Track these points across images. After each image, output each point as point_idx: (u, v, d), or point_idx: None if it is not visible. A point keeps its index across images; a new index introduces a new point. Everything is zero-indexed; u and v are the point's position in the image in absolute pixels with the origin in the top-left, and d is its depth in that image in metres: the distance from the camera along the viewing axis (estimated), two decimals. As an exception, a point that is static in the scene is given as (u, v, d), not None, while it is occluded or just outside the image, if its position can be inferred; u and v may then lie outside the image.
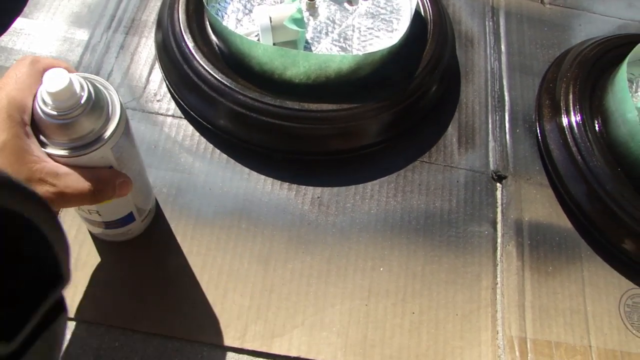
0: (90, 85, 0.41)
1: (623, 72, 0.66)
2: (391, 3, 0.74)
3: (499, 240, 0.63)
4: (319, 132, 0.62)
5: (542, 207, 0.66)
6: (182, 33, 0.65)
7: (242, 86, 0.62)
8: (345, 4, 0.73)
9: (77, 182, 0.41)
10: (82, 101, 0.40)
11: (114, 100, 0.44)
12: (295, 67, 0.62)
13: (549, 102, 0.71)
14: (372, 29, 0.71)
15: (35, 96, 0.40)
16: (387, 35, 0.71)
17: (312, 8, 0.71)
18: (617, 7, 0.88)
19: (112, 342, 0.53)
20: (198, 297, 0.56)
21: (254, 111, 0.61)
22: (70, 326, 0.54)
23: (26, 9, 0.71)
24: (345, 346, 0.55)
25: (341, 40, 0.70)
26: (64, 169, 0.40)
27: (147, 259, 0.57)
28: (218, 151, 0.64)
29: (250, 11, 0.70)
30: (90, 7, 0.72)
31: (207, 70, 0.63)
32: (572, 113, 0.69)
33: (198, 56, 0.64)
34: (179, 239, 0.59)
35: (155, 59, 0.69)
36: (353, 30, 0.71)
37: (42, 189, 0.39)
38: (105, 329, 0.54)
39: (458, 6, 0.81)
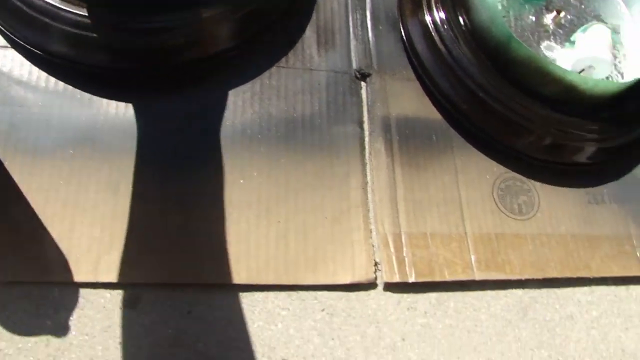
0: None
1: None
2: None
3: (366, 139, 0.61)
4: (162, 44, 0.57)
5: (410, 101, 0.64)
6: None
7: (72, 4, 0.56)
8: None
9: None
10: None
11: None
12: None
13: (411, -5, 0.69)
14: None
15: None
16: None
17: None
18: None
19: (-55, 296, 0.48)
20: (42, 235, 0.51)
21: (87, 29, 0.55)
22: None
23: None
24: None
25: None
26: None
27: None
28: (54, 79, 0.58)
29: None
30: None
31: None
32: (433, 4, 0.66)
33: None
34: (16, 177, 0.53)
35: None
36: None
37: None
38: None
39: None
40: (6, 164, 0.54)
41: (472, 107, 0.64)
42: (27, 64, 0.59)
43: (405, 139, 0.62)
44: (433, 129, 0.63)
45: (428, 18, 0.66)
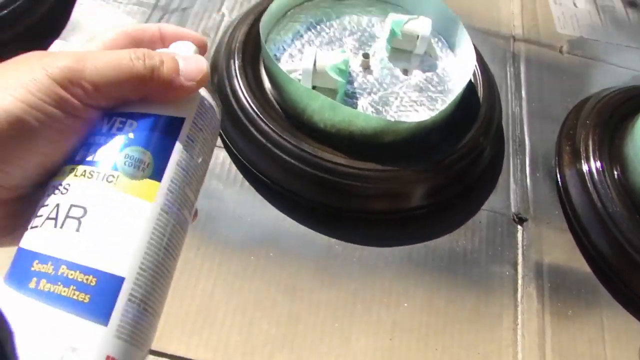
0: None
1: (641, 121, 0.68)
2: (443, 84, 0.72)
3: (519, 282, 0.64)
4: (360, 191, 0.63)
5: (562, 251, 0.67)
6: (236, 74, 0.66)
7: (293, 136, 0.62)
8: (399, 72, 0.72)
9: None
10: None
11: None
12: (321, 112, 0.63)
13: (569, 148, 0.73)
14: (415, 102, 0.71)
15: None
16: (427, 113, 0.69)
17: (365, 66, 0.72)
18: (632, 59, 0.90)
19: (139, 366, 0.53)
20: (224, 322, 0.57)
21: (302, 162, 0.62)
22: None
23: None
24: (368, 380, 0.55)
25: (380, 103, 0.69)
26: None
27: (175, 280, 0.57)
28: (247, 183, 0.66)
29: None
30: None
31: (256, 113, 0.64)
32: (592, 159, 0.70)
33: (246, 92, 0.65)
34: (207, 263, 0.59)
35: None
36: (396, 98, 0.70)
37: None
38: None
39: (479, 50, 0.83)
40: (201, 251, 0.60)
41: (623, 265, 0.66)
42: (227, 162, 0.66)
43: (555, 287, 0.65)
44: (583, 282, 0.66)
45: (585, 167, 0.70)
